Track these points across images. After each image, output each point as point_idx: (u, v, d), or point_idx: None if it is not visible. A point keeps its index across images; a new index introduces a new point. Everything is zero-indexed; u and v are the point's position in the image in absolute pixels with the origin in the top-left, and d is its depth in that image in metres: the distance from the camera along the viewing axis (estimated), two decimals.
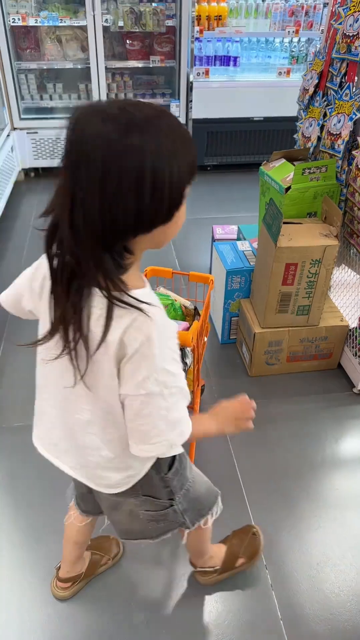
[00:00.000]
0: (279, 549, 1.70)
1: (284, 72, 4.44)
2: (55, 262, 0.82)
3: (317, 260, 2.09)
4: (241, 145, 4.69)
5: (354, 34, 1.99)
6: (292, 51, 4.55)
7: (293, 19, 4.41)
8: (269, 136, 4.57)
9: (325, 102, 2.25)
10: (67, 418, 1.02)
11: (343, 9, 2.07)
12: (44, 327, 0.92)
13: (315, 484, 1.92)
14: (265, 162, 2.42)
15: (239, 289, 2.46)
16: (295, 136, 2.54)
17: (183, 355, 1.65)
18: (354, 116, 2.05)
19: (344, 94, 2.10)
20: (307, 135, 2.39)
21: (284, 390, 2.34)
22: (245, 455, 2.03)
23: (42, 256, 0.88)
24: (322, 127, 2.28)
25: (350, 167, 2.11)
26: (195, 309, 1.85)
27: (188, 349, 1.64)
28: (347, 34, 2.04)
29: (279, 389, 2.34)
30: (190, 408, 1.75)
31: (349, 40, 2.03)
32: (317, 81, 2.32)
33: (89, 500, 1.31)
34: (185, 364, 1.66)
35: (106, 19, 4.09)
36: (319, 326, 2.30)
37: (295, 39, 4.51)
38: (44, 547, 1.68)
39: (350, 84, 2.07)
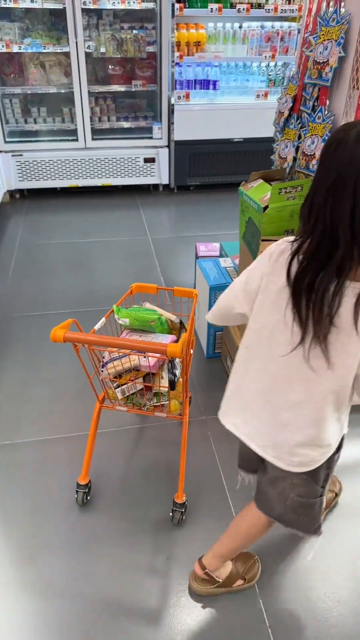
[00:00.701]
0: (265, 557, 1.73)
1: (262, 95, 4.61)
2: (294, 269, 1.03)
3: None
4: (223, 165, 4.83)
5: (324, 60, 2.11)
6: (269, 75, 4.72)
7: (269, 44, 4.61)
8: (249, 156, 4.71)
9: (300, 125, 2.36)
10: (275, 401, 1.16)
11: (313, 38, 2.19)
12: (266, 321, 1.14)
13: None
14: (244, 182, 2.51)
15: None
16: (272, 157, 2.65)
17: (173, 367, 1.70)
18: (326, 137, 2.15)
19: (317, 116, 2.21)
20: (283, 156, 2.50)
21: None
22: (231, 467, 2.06)
23: (247, 270, 1.20)
24: (297, 148, 2.38)
25: None
26: (181, 322, 1.91)
27: (177, 360, 1.69)
28: (317, 60, 2.16)
29: None
30: (180, 418, 1.80)
31: (319, 67, 2.15)
32: (291, 104, 2.43)
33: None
34: (175, 374, 1.71)
35: (88, 45, 4.22)
36: None
37: (272, 63, 4.69)
38: (31, 566, 1.69)
39: (322, 107, 2.18)
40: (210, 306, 2.52)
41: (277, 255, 1.14)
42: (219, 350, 2.68)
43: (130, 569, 1.68)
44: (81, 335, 1.48)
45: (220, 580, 1.58)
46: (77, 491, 1.86)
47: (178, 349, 1.39)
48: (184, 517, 1.82)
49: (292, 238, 1.11)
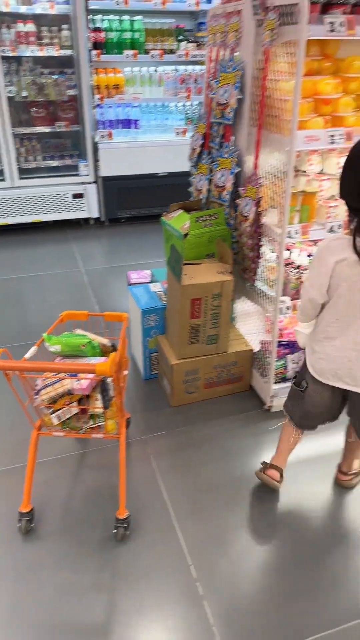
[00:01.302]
0: (210, 562, 1.82)
1: (181, 132, 4.91)
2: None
3: (218, 294, 2.35)
4: (150, 198, 5.06)
5: (225, 102, 2.36)
6: (187, 113, 5.06)
7: (184, 85, 4.95)
8: (173, 189, 4.93)
9: (210, 160, 2.59)
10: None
11: (215, 82, 2.44)
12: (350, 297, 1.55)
13: (239, 498, 2.08)
14: (165, 213, 2.70)
15: (155, 327, 2.66)
16: (190, 189, 2.86)
17: (105, 387, 1.79)
18: (234, 170, 2.38)
19: (224, 152, 2.44)
20: (199, 188, 2.72)
21: (204, 415, 2.52)
22: (172, 480, 2.16)
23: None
24: (210, 181, 2.61)
25: (236, 213, 2.44)
26: (113, 345, 2.01)
27: (109, 380, 1.78)
28: (220, 102, 2.41)
29: (199, 415, 2.52)
30: (117, 437, 1.87)
31: (222, 108, 2.40)
32: (202, 142, 2.67)
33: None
34: (108, 394, 1.80)
35: (10, 90, 4.36)
36: (229, 352, 2.53)
37: (188, 103, 5.03)
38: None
39: (227, 143, 2.42)
40: (143, 329, 2.64)
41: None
42: (155, 371, 2.79)
43: (76, 590, 1.71)
44: (11, 362, 1.55)
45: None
46: (19, 520, 1.87)
47: (107, 367, 1.49)
48: (127, 533, 1.88)
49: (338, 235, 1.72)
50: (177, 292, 2.33)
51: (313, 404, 1.83)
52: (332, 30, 1.81)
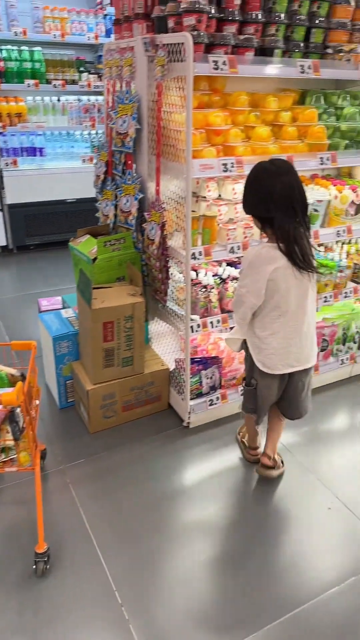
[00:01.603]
0: (134, 585, 1.81)
1: (87, 159, 4.97)
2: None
3: (130, 316, 2.39)
4: (60, 224, 5.03)
5: (124, 132, 2.45)
6: (92, 141, 5.13)
7: (88, 115, 5.03)
8: (82, 215, 4.98)
9: (115, 186, 2.66)
10: (303, 322, 1.89)
11: (113, 113, 2.53)
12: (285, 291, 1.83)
13: (160, 518, 2.09)
14: (72, 238, 2.72)
15: (69, 353, 2.63)
16: (97, 214, 2.90)
17: (14, 417, 1.73)
18: (137, 196, 2.47)
19: (127, 179, 2.52)
20: (106, 214, 2.77)
21: (123, 439, 2.52)
22: (93, 508, 2.12)
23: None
24: (116, 206, 2.67)
25: (143, 237, 2.51)
26: (22, 375, 1.96)
27: (18, 411, 1.73)
28: (119, 131, 2.49)
29: (119, 439, 2.51)
30: (31, 469, 1.81)
31: (122, 137, 2.49)
32: (105, 169, 2.73)
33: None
34: (18, 425, 1.74)
35: None
36: (145, 373, 2.57)
37: (93, 131, 5.11)
38: None
39: (130, 170, 2.51)
40: (56, 356, 2.59)
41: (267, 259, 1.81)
42: (71, 399, 2.74)
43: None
44: None
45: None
46: None
47: (13, 397, 1.46)
48: (47, 567, 1.81)
49: (262, 244, 1.87)
50: (88, 316, 2.33)
51: (263, 397, 2.06)
52: (216, 68, 1.97)
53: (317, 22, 2.27)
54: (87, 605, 1.72)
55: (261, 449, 2.36)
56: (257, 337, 1.92)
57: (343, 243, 2.92)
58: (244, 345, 2.05)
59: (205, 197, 2.44)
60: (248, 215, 2.42)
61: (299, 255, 1.77)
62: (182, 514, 2.11)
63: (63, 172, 4.89)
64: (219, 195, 2.50)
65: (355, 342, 2.97)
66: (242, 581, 1.83)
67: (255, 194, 1.80)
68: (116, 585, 1.79)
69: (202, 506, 2.15)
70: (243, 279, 1.87)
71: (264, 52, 2.20)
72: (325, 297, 2.70)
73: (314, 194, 2.55)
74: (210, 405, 2.59)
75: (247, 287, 1.84)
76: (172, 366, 2.66)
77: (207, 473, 2.33)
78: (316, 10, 2.25)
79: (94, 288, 2.40)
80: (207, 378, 2.58)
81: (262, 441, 2.38)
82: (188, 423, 2.58)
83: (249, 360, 2.04)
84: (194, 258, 2.27)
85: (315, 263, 1.85)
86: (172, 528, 2.04)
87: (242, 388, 2.19)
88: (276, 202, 1.74)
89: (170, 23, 2.05)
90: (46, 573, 1.81)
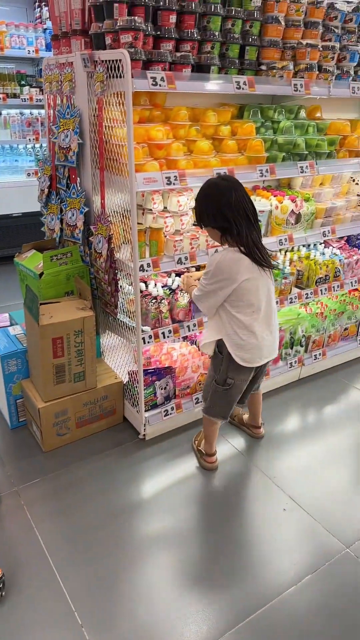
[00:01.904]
0: (94, 604, 1.77)
1: (32, 173, 4.89)
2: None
3: (80, 331, 2.37)
4: (5, 239, 4.92)
5: (67, 146, 2.45)
6: (37, 155, 5.07)
7: (31, 128, 4.97)
8: (28, 229, 4.89)
9: (60, 200, 2.64)
10: (271, 317, 2.11)
11: (55, 127, 2.52)
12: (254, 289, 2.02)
13: (119, 533, 2.07)
14: (17, 253, 2.67)
15: (18, 371, 2.56)
16: (43, 229, 2.87)
17: None
18: (83, 210, 2.46)
19: (72, 192, 2.51)
20: (51, 228, 2.74)
21: (79, 455, 2.48)
22: (49, 528, 2.07)
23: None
24: (62, 220, 2.65)
25: (91, 250, 2.50)
26: None
27: None
28: (62, 146, 2.48)
29: (74, 456, 2.47)
30: None
31: (65, 151, 2.48)
32: (49, 183, 2.71)
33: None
34: None
35: None
36: (98, 387, 2.54)
37: (37, 145, 5.05)
38: None
39: (74, 184, 2.50)
40: (4, 375, 2.53)
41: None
42: (23, 418, 2.67)
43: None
44: None
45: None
46: None
47: None
48: (3, 593, 1.75)
49: (227, 249, 2.02)
50: (36, 332, 2.29)
51: (239, 391, 2.22)
52: (155, 84, 2.00)
53: (250, 40, 2.36)
54: (46, 629, 1.68)
55: (217, 454, 2.44)
56: (237, 335, 2.07)
57: (286, 251, 3.02)
58: (215, 347, 2.17)
59: (151, 210, 2.47)
60: (195, 227, 2.49)
61: (260, 255, 1.99)
62: (141, 528, 2.10)
63: (7, 187, 4.79)
64: (165, 208, 2.54)
65: (302, 346, 3.07)
66: (204, 590, 1.84)
67: (214, 208, 1.95)
68: (75, 605, 1.76)
69: (161, 518, 2.15)
70: (211, 279, 2.02)
71: (201, 69, 2.26)
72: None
73: (256, 204, 2.63)
74: (166, 415, 2.60)
75: (214, 290, 2.02)
76: (125, 379, 2.65)
77: (165, 484, 2.33)
78: (249, 29, 2.35)
79: (42, 304, 2.37)
80: (161, 389, 2.59)
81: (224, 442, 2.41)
82: (144, 435, 2.58)
83: (220, 361, 2.14)
84: (143, 270, 2.29)
85: (272, 262, 2.10)
86: (132, 542, 2.03)
87: (209, 392, 2.25)
88: (234, 212, 1.93)
89: (108, 40, 2.07)
90: (2, 599, 1.74)
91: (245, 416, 2.70)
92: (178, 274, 2.77)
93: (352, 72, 2.70)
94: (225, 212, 1.93)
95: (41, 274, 2.48)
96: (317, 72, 2.56)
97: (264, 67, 2.43)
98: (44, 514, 2.13)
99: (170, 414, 2.61)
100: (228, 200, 1.92)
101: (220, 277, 2.00)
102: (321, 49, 2.53)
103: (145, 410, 2.55)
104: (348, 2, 2.66)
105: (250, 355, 2.09)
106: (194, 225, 2.55)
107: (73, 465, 2.41)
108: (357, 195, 3.16)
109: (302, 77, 2.50)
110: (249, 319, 2.04)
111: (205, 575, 1.90)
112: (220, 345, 2.13)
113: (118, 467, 2.42)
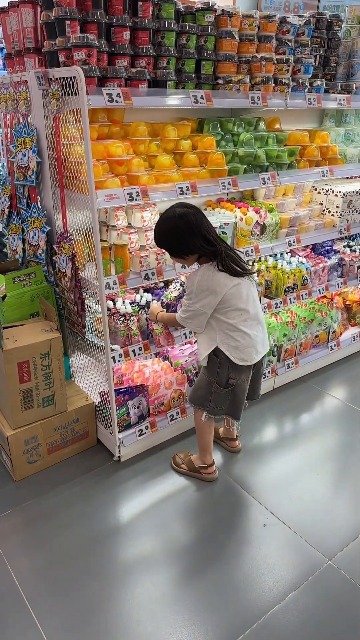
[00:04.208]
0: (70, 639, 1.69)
1: None
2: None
3: (46, 354, 2.30)
4: None
5: (25, 165, 2.39)
6: None
7: None
8: None
9: (21, 220, 2.58)
10: (259, 314, 2.16)
11: (13, 147, 2.46)
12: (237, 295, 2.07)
13: (97, 561, 1.99)
14: None
15: None
16: (5, 250, 2.79)
17: None
18: (45, 229, 2.40)
19: (33, 212, 2.45)
20: (13, 249, 2.67)
21: (52, 482, 2.39)
22: (22, 562, 1.98)
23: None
24: (24, 240, 2.58)
25: (55, 270, 2.44)
26: None
27: None
28: (20, 165, 2.43)
29: (47, 484, 2.38)
30: None
31: (23, 171, 2.42)
32: (9, 203, 2.64)
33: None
34: None
35: None
36: (68, 411, 2.47)
37: None
38: None
39: (35, 203, 2.44)
40: None
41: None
42: None
43: None
44: None
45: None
46: None
47: None
48: None
49: (207, 267, 2.06)
50: (0, 358, 2.21)
51: (243, 390, 2.21)
52: (111, 100, 1.98)
53: (205, 54, 2.37)
54: None
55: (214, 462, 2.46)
56: (231, 339, 2.10)
57: (253, 262, 3.03)
58: (210, 354, 2.16)
59: (115, 226, 2.44)
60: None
61: (233, 267, 2.05)
62: (119, 554, 2.03)
63: None
64: (129, 224, 2.51)
65: (274, 355, 3.07)
66: (187, 615, 1.78)
67: (184, 239, 2.00)
68: None
69: (140, 542, 2.08)
70: (195, 298, 2.07)
71: (157, 84, 2.25)
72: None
73: (220, 217, 2.64)
74: (140, 435, 2.53)
75: (201, 306, 2.07)
76: (97, 400, 2.58)
77: (142, 507, 2.26)
78: (203, 44, 2.36)
79: (5, 327, 2.29)
80: (134, 408, 2.53)
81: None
82: (119, 457, 2.51)
83: (218, 364, 2.14)
84: (109, 288, 2.24)
85: (248, 267, 2.15)
86: (110, 571, 1.95)
87: (207, 398, 2.22)
88: (200, 237, 2.00)
89: (61, 57, 2.04)
90: None
91: (221, 429, 2.66)
92: (147, 290, 2.73)
93: (307, 84, 2.75)
94: (194, 239, 1.99)
95: (4, 297, 2.40)
96: (273, 85, 2.59)
97: (220, 81, 2.44)
98: (16, 547, 2.04)
99: (145, 433, 2.56)
100: (201, 222, 2.00)
101: (203, 295, 2.05)
102: (276, 62, 2.57)
103: (119, 431, 2.48)
104: (300, 16, 2.71)
105: (247, 354, 2.13)
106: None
107: (46, 494, 2.32)
108: (320, 203, 3.20)
109: (259, 90, 2.52)
110: (239, 321, 2.09)
111: (187, 600, 1.83)
112: (215, 349, 2.14)
113: (93, 492, 2.34)
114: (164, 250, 2.42)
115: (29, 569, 1.95)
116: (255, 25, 2.47)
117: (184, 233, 1.99)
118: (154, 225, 2.09)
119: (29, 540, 2.08)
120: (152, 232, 2.46)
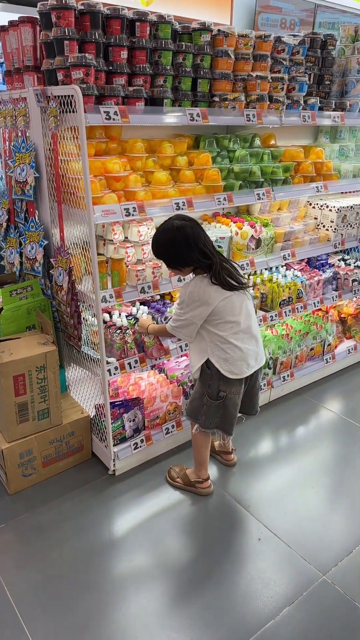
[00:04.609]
0: None
1: None
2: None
3: (42, 367, 2.30)
4: None
5: (24, 180, 2.42)
6: None
7: None
8: None
9: (18, 234, 2.60)
10: (252, 327, 2.14)
11: (11, 162, 2.49)
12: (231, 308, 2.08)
13: (92, 576, 1.98)
14: None
15: None
16: (2, 263, 2.81)
17: None
18: (42, 243, 2.42)
19: (30, 226, 2.47)
20: (11, 262, 2.68)
21: (47, 496, 2.38)
22: (16, 577, 1.97)
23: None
24: (21, 254, 2.60)
25: (52, 283, 2.46)
26: None
27: None
28: (18, 180, 2.45)
29: (41, 497, 2.37)
30: None
31: (21, 185, 2.45)
32: (7, 217, 2.67)
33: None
34: None
35: None
36: (64, 424, 2.47)
37: None
38: None
39: (32, 218, 2.47)
40: None
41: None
42: None
43: None
44: None
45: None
46: None
47: None
48: None
49: (200, 280, 2.07)
50: None
51: (234, 404, 2.20)
52: (108, 118, 2.01)
53: (201, 73, 2.41)
54: None
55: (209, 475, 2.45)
56: (222, 351, 2.10)
57: (249, 275, 3.05)
58: (202, 365, 2.17)
59: (112, 240, 2.46)
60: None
61: (227, 280, 2.06)
62: (114, 569, 2.02)
63: None
64: (126, 238, 2.53)
65: (270, 368, 3.08)
66: (182, 633, 1.77)
67: (181, 251, 2.01)
68: None
69: (135, 556, 2.07)
70: (186, 308, 2.09)
71: (154, 102, 2.29)
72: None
73: (216, 231, 2.67)
74: (135, 448, 2.54)
75: (192, 316, 2.07)
76: (92, 413, 2.58)
77: (137, 521, 2.26)
78: (200, 62, 2.40)
79: (1, 340, 2.30)
80: (130, 421, 2.54)
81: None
82: (114, 471, 2.51)
83: (209, 376, 2.15)
84: (105, 301, 2.26)
85: (244, 280, 2.16)
86: (105, 585, 1.94)
87: (200, 411, 2.22)
88: (196, 250, 2.01)
89: (60, 76, 2.08)
90: None
91: (217, 443, 2.67)
92: (143, 303, 2.75)
93: (301, 102, 2.80)
94: (202, 248, 2.01)
95: (0, 310, 2.42)
96: (268, 102, 2.63)
97: (216, 99, 2.48)
98: (10, 563, 2.03)
99: (140, 446, 2.56)
100: (198, 235, 2.01)
101: (194, 305, 2.06)
102: (271, 80, 2.62)
103: (114, 445, 2.48)
104: (294, 36, 2.77)
105: (238, 367, 2.11)
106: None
107: (41, 508, 2.31)
108: (315, 218, 3.24)
109: (254, 108, 2.57)
110: (229, 333, 2.09)
111: (182, 616, 1.83)
112: (207, 361, 2.14)
113: (88, 506, 2.33)
114: (160, 264, 2.45)
115: (23, 583, 1.94)
116: (250, 45, 2.52)
117: (181, 245, 2.00)
118: (152, 236, 2.12)
119: (23, 554, 2.07)
120: (149, 246, 2.50)
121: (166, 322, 2.28)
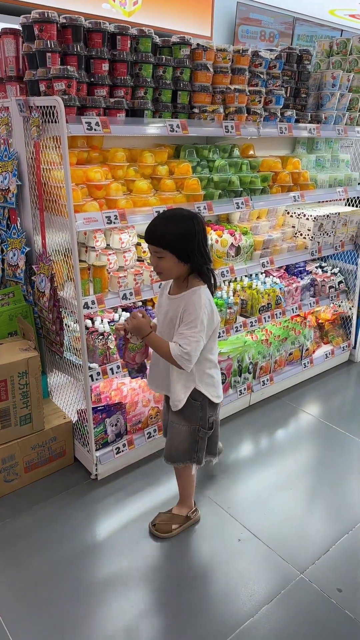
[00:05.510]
0: None
1: None
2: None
3: (24, 372, 2.32)
4: None
5: (6, 188, 2.45)
6: None
7: None
8: None
9: (0, 240, 2.62)
10: None
11: None
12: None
13: (73, 580, 2.00)
14: None
15: None
16: None
17: None
18: (24, 250, 2.45)
19: (12, 232, 2.50)
20: None
21: (29, 501, 2.39)
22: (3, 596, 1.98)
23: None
24: (3, 260, 2.62)
25: (34, 290, 2.48)
26: None
27: None
28: (0, 187, 2.48)
29: (23, 503, 2.38)
30: None
31: (4, 193, 2.47)
32: None
33: None
34: None
35: None
36: (46, 429, 2.48)
37: None
38: None
39: (15, 225, 2.49)
40: None
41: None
42: None
43: None
44: None
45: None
46: None
47: None
48: None
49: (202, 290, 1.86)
50: None
51: (218, 426, 2.16)
52: (90, 129, 2.06)
53: (181, 85, 2.48)
54: None
55: (169, 490, 2.39)
56: (209, 377, 1.99)
57: (229, 282, 3.12)
58: (188, 399, 1.97)
59: (94, 248, 2.50)
60: (139, 262, 2.54)
61: (215, 285, 1.95)
62: (96, 572, 2.04)
63: None
64: (108, 245, 2.57)
65: (250, 372, 3.14)
66: (163, 631, 1.80)
67: (197, 244, 1.78)
68: None
69: (116, 560, 2.09)
70: (201, 325, 1.80)
71: (135, 113, 2.35)
72: (219, 332, 2.85)
73: None
74: (117, 453, 2.56)
75: (201, 330, 1.80)
76: (74, 418, 2.60)
77: (119, 525, 2.28)
78: (179, 75, 2.47)
79: None
80: (112, 425, 2.56)
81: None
82: (96, 475, 2.53)
83: (198, 408, 1.99)
84: (87, 307, 2.29)
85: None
86: (87, 589, 1.96)
87: (197, 443, 2.06)
88: (203, 247, 1.82)
89: (42, 87, 2.12)
90: None
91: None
92: (125, 309, 2.79)
93: (278, 114, 2.89)
94: (206, 247, 1.83)
95: None
96: (246, 115, 2.71)
97: (196, 111, 2.55)
98: None
99: (123, 450, 2.59)
100: (205, 233, 1.84)
101: (208, 322, 1.85)
102: (248, 93, 2.70)
103: (96, 449, 2.51)
104: (271, 50, 2.86)
105: (220, 388, 2.05)
106: (137, 261, 2.60)
107: (23, 513, 2.32)
108: (292, 226, 3.33)
109: (233, 119, 2.64)
110: (215, 355, 1.99)
111: (163, 617, 1.86)
112: (193, 392, 1.97)
113: (70, 510, 2.35)
114: (141, 271, 2.50)
115: (5, 588, 1.94)
116: (228, 59, 2.60)
117: (199, 236, 1.77)
118: (157, 222, 1.82)
119: (5, 558, 2.08)
120: (131, 254, 2.54)
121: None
